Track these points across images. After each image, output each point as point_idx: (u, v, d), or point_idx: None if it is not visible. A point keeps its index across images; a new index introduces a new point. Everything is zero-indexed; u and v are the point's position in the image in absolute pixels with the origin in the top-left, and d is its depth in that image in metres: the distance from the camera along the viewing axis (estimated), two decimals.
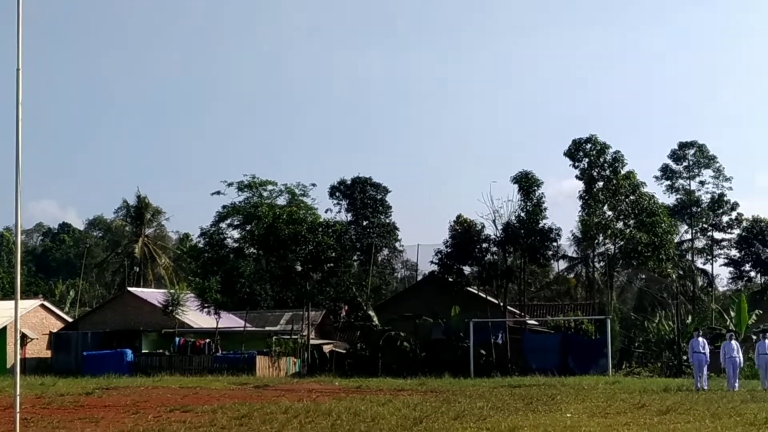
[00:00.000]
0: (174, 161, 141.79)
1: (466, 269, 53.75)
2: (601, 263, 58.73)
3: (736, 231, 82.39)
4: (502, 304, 52.24)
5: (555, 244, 53.62)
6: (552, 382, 35.83)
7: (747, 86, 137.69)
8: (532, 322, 56.73)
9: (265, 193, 67.22)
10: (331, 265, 53.11)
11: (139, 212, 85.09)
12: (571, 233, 68.69)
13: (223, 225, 63.86)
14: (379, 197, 79.84)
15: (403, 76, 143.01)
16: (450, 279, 53.08)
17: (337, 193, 79.43)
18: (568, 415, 21.15)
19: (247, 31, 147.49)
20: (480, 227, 52.55)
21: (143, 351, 51.74)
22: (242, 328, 53.61)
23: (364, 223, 78.82)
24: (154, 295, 58.19)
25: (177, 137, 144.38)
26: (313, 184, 68.71)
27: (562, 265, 78.31)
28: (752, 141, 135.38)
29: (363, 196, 78.94)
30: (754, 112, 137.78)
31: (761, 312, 51.43)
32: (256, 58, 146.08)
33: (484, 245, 52.60)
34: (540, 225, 51.63)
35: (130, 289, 63.30)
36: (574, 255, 74.70)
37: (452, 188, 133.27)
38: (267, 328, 55.33)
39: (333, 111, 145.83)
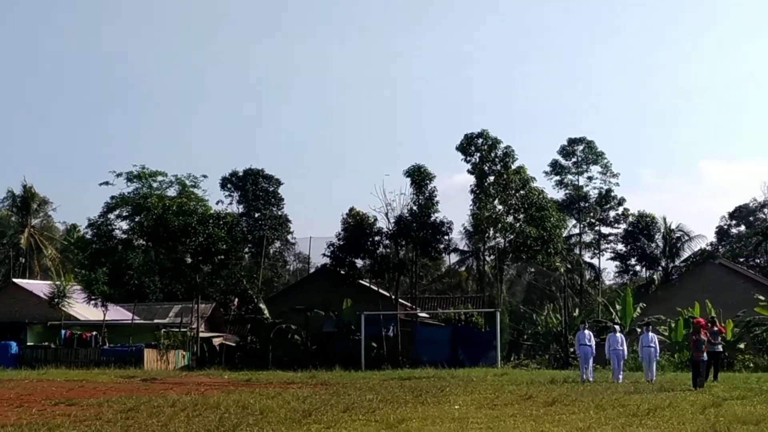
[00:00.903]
0: (62, 150, 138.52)
1: (359, 262, 53.80)
2: (492, 257, 59.40)
3: (623, 226, 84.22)
4: (393, 296, 52.40)
5: (447, 237, 53.97)
6: (442, 374, 35.99)
7: (633, 84, 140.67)
8: (424, 314, 57.07)
9: (155, 184, 66.28)
10: (222, 257, 52.51)
11: (25, 202, 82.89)
12: (463, 227, 69.45)
13: (111, 216, 62.58)
14: (271, 189, 79.26)
15: (293, 67, 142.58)
16: (342, 272, 53.00)
17: (229, 185, 78.60)
18: (456, 406, 21.23)
19: (135, 19, 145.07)
20: (372, 220, 52.63)
21: (28, 344, 50.47)
22: (130, 321, 52.77)
23: (256, 215, 78.19)
24: (40, 286, 56.93)
25: (64, 126, 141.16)
26: (204, 176, 67.98)
27: (454, 258, 79.14)
28: (637, 138, 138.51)
29: (255, 188, 78.28)
30: (639, 109, 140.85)
31: (645, 305, 52.59)
32: (145, 47, 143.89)
33: (377, 238, 52.69)
34: (432, 218, 51.88)
35: (15, 280, 61.70)
36: (466, 248, 75.46)
37: (345, 181, 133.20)
38: (156, 321, 54.55)
39: (224, 102, 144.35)
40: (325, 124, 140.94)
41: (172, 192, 65.67)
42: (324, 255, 54.07)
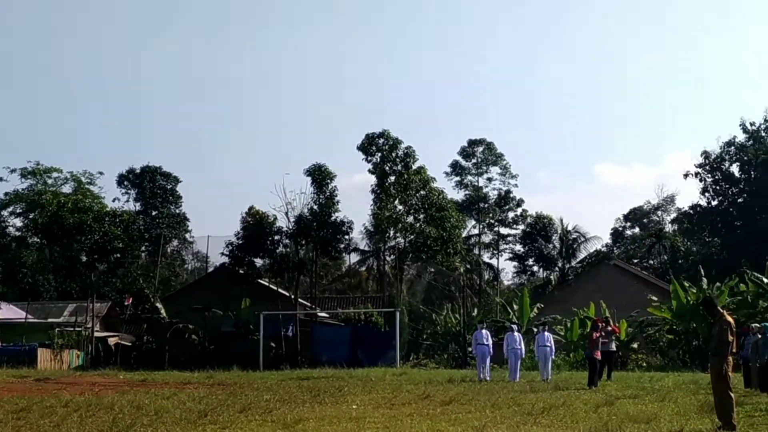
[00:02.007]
0: None
1: (258, 261, 53.54)
2: (392, 256, 59.58)
3: (521, 227, 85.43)
4: (293, 296, 52.21)
5: (347, 237, 54.01)
6: (340, 374, 35.93)
7: (530, 87, 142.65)
8: (323, 314, 56.97)
9: (49, 181, 65.05)
10: (118, 255, 51.71)
11: None
12: (364, 227, 69.56)
13: (4, 213, 61.25)
14: (169, 187, 78.37)
15: (192, 64, 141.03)
16: (241, 271, 52.70)
17: (126, 182, 77.46)
18: (354, 406, 21.18)
19: (29, 16, 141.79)
20: (272, 219, 52.42)
21: None
22: (23, 320, 51.59)
23: (153, 213, 77.17)
24: None
25: None
26: (101, 173, 67.08)
27: (354, 258, 79.25)
28: (535, 140, 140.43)
29: (152, 186, 77.28)
30: (536, 111, 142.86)
31: (542, 305, 53.25)
32: (41, 43, 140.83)
33: (276, 237, 52.50)
34: (332, 218, 51.87)
35: None
36: (366, 248, 75.56)
37: (245, 180, 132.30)
38: (50, 320, 53.48)
39: (121, 98, 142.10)
40: (224, 121, 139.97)
41: (67, 189, 64.59)
42: (222, 254, 53.71)
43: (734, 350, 15.88)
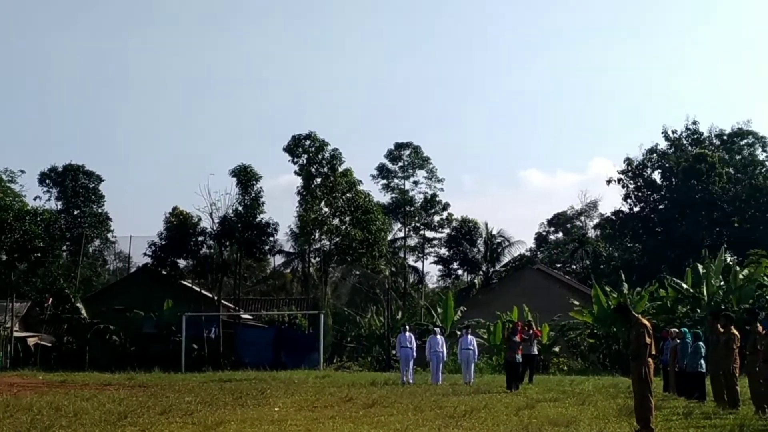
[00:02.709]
0: None
1: (181, 262, 53.10)
2: (317, 259, 59.45)
3: (446, 230, 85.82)
4: (216, 297, 51.84)
5: (272, 238, 53.83)
6: (263, 376, 35.80)
7: (454, 91, 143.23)
8: (247, 316, 56.65)
9: None
10: (39, 255, 50.73)
11: None
12: (289, 228, 69.33)
13: None
14: (92, 186, 77.28)
15: (120, 63, 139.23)
16: (164, 272, 52.20)
17: (48, 181, 76.21)
18: (276, 409, 21.09)
19: None
20: (196, 220, 52.00)
21: None
22: None
23: (75, 212, 76.03)
24: None
25: None
26: (22, 171, 65.58)
27: (279, 260, 78.95)
28: (461, 144, 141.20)
29: (75, 185, 76.16)
30: (461, 116, 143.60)
31: (466, 309, 53.53)
32: None
33: (200, 238, 52.08)
34: (257, 219, 51.60)
35: None
36: (291, 250, 75.34)
37: (170, 180, 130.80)
38: None
39: (43, 95, 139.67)
40: (149, 120, 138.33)
41: None
42: (145, 254, 53.11)
43: (653, 353, 16.07)
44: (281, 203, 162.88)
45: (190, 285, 54.42)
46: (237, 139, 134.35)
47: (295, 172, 54.69)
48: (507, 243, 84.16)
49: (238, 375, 37.42)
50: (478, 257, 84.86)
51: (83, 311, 50.68)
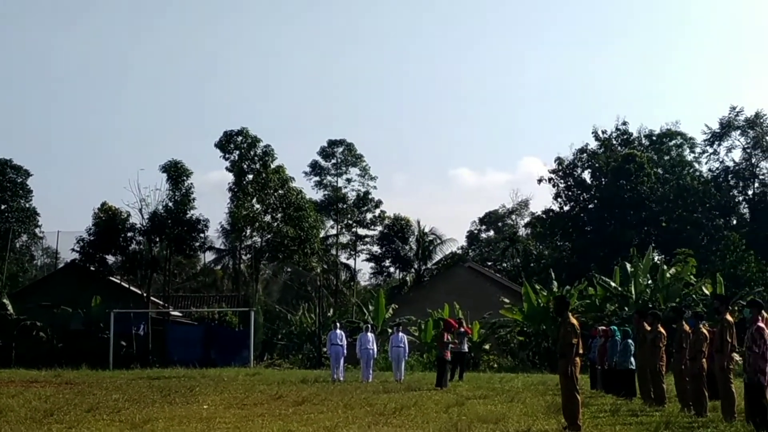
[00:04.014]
0: None
1: (110, 258, 52.50)
2: (248, 255, 59.15)
3: (379, 228, 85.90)
4: (145, 294, 51.32)
5: (202, 235, 53.36)
6: (192, 374, 35.51)
7: (390, 88, 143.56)
8: (176, 313, 56.20)
9: None
10: None
11: None
12: (220, 225, 68.90)
13: None
14: (19, 180, 75.96)
15: (47, 56, 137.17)
16: (92, 268, 51.58)
17: None
18: (205, 406, 20.93)
19: None
20: (126, 216, 51.41)
21: None
22: None
23: (2, 207, 74.71)
24: None
25: None
26: None
27: (210, 256, 78.45)
28: (394, 142, 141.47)
29: (2, 179, 74.78)
30: (397, 114, 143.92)
31: (398, 306, 53.61)
32: None
33: (129, 234, 51.52)
34: (188, 215, 51.21)
35: None
36: (222, 247, 74.93)
37: (98, 175, 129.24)
38: None
39: None
40: (78, 114, 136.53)
41: None
42: (73, 250, 52.36)
43: (581, 352, 16.20)
44: (212, 199, 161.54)
45: (118, 281, 53.80)
46: (168, 135, 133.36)
47: (227, 169, 54.39)
48: (439, 241, 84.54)
49: (167, 372, 37.10)
50: (410, 255, 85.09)
51: (9, 307, 49.74)
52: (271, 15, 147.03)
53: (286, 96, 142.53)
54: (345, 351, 33.25)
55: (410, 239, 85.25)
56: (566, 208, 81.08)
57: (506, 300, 49.03)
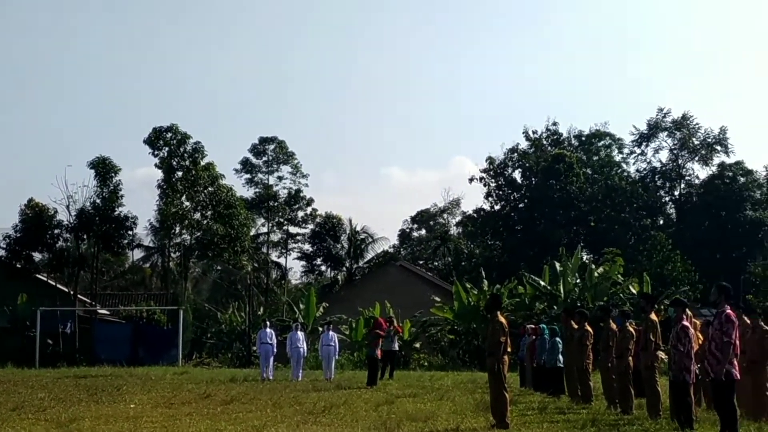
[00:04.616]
0: None
1: (37, 255, 51.82)
2: (177, 253, 58.68)
3: (310, 226, 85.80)
4: (72, 292, 50.66)
5: (131, 232, 52.78)
6: (120, 372, 35.13)
7: (320, 85, 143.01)
8: (104, 311, 55.56)
9: None
10: None
11: None
12: (149, 222, 68.24)
13: None
14: None
15: None
16: (18, 265, 50.77)
17: None
18: (132, 405, 20.74)
19: None
20: (53, 212, 50.68)
21: None
22: None
23: None
24: None
25: None
26: None
27: (138, 254, 77.75)
28: (326, 140, 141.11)
29: None
30: (327, 112, 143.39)
31: (328, 305, 53.58)
32: None
33: (56, 231, 50.78)
34: (116, 212, 50.63)
35: None
36: (151, 244, 74.26)
37: (25, 171, 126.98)
38: None
39: None
40: (4, 109, 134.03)
41: None
42: None
43: (509, 350, 16.31)
44: (141, 197, 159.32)
45: (45, 279, 53.03)
46: (96, 131, 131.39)
47: (156, 165, 53.81)
48: (370, 239, 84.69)
49: (94, 371, 36.66)
50: (342, 253, 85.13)
51: None
52: (201, 11, 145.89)
53: (217, 92, 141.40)
54: (275, 350, 33.18)
55: (342, 238, 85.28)
56: (497, 207, 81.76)
57: (437, 298, 49.24)
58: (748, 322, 16.98)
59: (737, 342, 13.71)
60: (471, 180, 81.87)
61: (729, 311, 13.68)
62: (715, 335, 13.62)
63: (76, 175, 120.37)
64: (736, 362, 13.64)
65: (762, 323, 16.94)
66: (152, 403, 21.27)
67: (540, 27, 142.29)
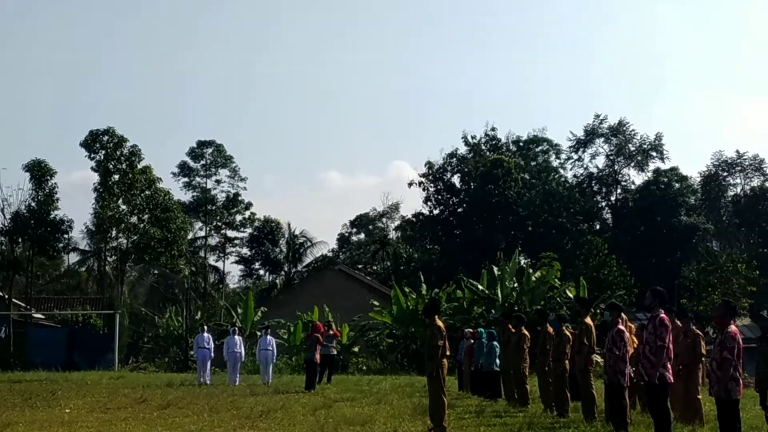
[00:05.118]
0: None
1: None
2: (114, 257, 58.10)
3: (248, 230, 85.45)
4: (7, 296, 49.96)
5: (66, 236, 52.23)
6: (55, 377, 34.76)
7: (257, 87, 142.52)
8: (39, 315, 54.82)
9: None
10: None
11: None
12: (85, 226, 67.51)
13: None
14: None
15: None
16: None
17: None
18: (67, 410, 20.50)
19: None
20: None
21: None
22: None
23: None
24: None
25: None
26: None
27: (74, 258, 76.86)
28: (264, 144, 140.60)
29: None
30: (266, 115, 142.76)
31: (267, 309, 53.41)
32: None
33: None
34: (51, 216, 50.00)
35: None
36: (87, 248, 73.45)
37: None
38: None
39: None
40: None
41: None
42: None
43: (448, 353, 16.37)
44: (77, 200, 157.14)
45: None
46: (31, 133, 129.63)
47: (92, 168, 53.23)
48: (309, 243, 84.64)
49: (29, 376, 36.22)
50: (280, 257, 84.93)
51: None
52: (140, 11, 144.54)
53: (155, 96, 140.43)
54: (212, 354, 32.99)
55: (280, 242, 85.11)
56: (436, 211, 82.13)
57: (376, 303, 49.30)
58: (681, 325, 17.21)
59: (671, 346, 13.88)
60: (410, 184, 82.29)
61: (663, 315, 13.84)
62: (650, 339, 13.77)
63: (10, 178, 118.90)
64: (669, 366, 13.81)
65: (694, 327, 17.18)
66: (88, 408, 21.06)
67: (478, 33, 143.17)
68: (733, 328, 13.11)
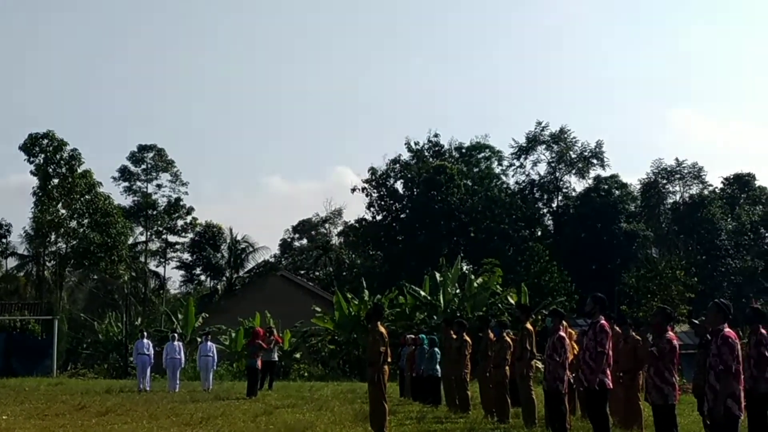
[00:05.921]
0: None
1: None
2: (53, 262, 57.42)
3: (190, 235, 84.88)
4: None
5: (4, 240, 51.49)
6: None
7: (197, 90, 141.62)
8: None
9: None
10: None
11: None
12: (23, 230, 66.60)
13: None
14: None
15: None
16: None
17: None
18: (4, 417, 20.23)
19: None
20: None
21: None
22: None
23: None
24: None
25: None
26: None
27: (12, 262, 75.67)
28: (206, 148, 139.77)
29: None
30: (208, 119, 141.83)
31: (208, 315, 53.06)
32: None
33: None
34: None
35: None
36: (26, 253, 72.40)
37: None
38: None
39: None
40: None
41: None
42: None
43: (389, 360, 16.38)
44: (15, 204, 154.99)
45: None
46: None
47: (31, 172, 52.66)
48: (251, 249, 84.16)
49: None
50: (222, 263, 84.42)
51: None
52: (78, 14, 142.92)
53: (95, 99, 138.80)
54: (152, 360, 32.72)
55: (222, 247, 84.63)
56: (379, 217, 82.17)
57: (318, 308, 49.14)
58: (620, 332, 17.37)
59: (610, 352, 14.02)
60: (353, 190, 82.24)
61: (603, 322, 13.98)
62: (590, 345, 13.90)
63: None
64: (609, 372, 13.94)
65: (633, 333, 17.34)
66: (25, 415, 20.79)
67: (421, 38, 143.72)
68: (670, 333, 13.28)
